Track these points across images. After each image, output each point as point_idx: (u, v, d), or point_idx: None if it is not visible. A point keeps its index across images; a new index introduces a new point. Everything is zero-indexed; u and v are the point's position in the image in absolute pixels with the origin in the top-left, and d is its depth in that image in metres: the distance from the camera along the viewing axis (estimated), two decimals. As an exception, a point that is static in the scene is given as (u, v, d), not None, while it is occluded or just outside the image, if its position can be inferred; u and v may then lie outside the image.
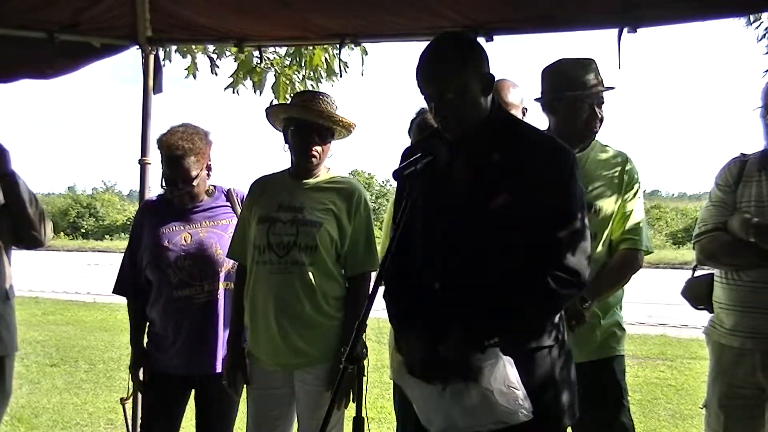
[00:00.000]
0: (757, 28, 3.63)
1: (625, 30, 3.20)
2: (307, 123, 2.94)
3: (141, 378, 3.25)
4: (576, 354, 2.78)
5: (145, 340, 3.29)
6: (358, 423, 2.03)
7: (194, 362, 3.13)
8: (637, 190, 2.98)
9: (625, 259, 2.94)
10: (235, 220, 3.21)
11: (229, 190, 3.33)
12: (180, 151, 3.09)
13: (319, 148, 2.97)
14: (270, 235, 2.93)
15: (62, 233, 33.55)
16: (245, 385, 3.10)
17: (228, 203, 3.30)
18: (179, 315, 3.13)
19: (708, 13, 3.21)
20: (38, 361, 7.84)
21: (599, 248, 2.91)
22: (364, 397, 2.05)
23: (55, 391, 6.72)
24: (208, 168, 3.22)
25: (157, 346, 3.21)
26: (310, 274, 2.89)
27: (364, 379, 2.07)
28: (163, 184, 3.19)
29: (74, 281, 15.72)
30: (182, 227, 3.19)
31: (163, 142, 3.14)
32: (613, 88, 3.00)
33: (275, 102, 4.97)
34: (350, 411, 2.27)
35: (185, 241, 3.16)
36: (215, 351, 3.12)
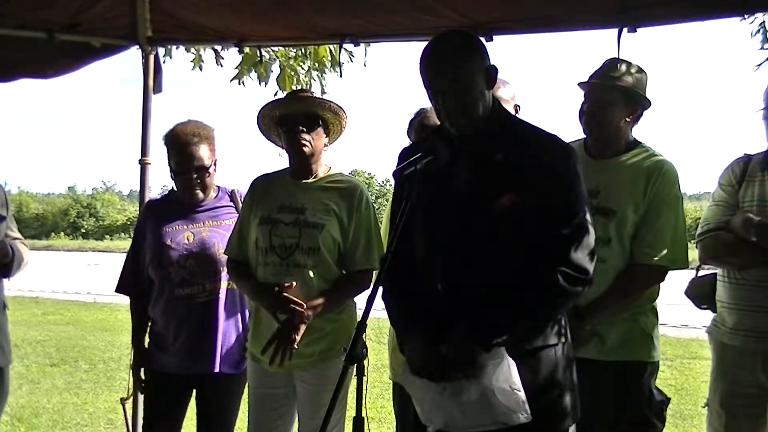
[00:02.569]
0: (751, 23, 3.63)
1: (625, 30, 3.20)
2: (291, 115, 2.95)
3: (142, 377, 3.25)
4: (588, 351, 2.74)
5: (147, 339, 3.29)
6: (358, 423, 2.03)
7: (194, 361, 3.13)
8: (671, 201, 2.82)
9: (635, 274, 2.80)
10: None
11: (233, 190, 3.33)
12: (195, 138, 3.11)
13: (307, 136, 2.94)
14: (272, 237, 2.93)
15: (62, 233, 33.55)
16: (246, 385, 3.10)
17: (232, 203, 3.30)
18: (180, 314, 3.13)
19: (707, 13, 3.21)
20: (38, 361, 7.83)
21: (613, 255, 2.78)
22: (364, 397, 2.05)
23: (55, 391, 6.72)
24: (215, 164, 3.22)
25: (157, 345, 3.22)
26: (312, 276, 2.89)
27: (364, 379, 2.07)
28: (174, 177, 3.18)
29: (74, 281, 15.70)
30: (185, 226, 3.19)
31: (176, 132, 3.14)
32: (590, 93, 2.89)
33: (280, 94, 4.99)
34: (350, 411, 2.26)
35: (187, 240, 3.16)
36: (215, 350, 3.12)
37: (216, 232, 3.20)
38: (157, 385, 3.22)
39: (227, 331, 3.15)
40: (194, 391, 3.25)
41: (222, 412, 3.21)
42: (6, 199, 3.32)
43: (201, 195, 3.20)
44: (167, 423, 3.23)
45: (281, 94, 4.92)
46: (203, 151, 3.12)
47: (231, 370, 3.16)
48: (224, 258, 3.14)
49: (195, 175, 3.14)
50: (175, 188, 3.26)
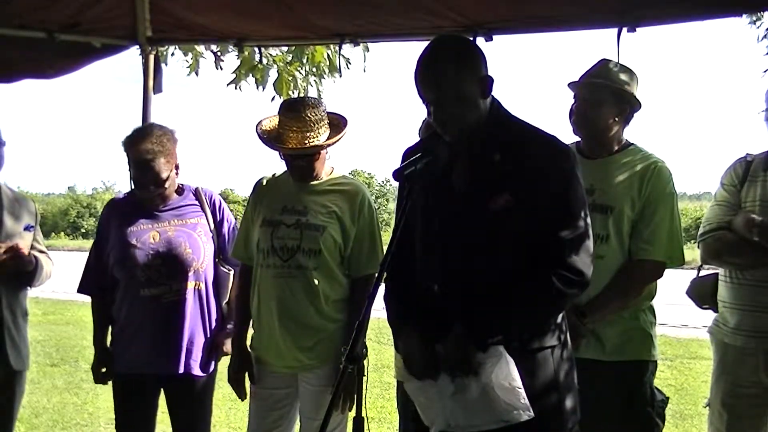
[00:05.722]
0: (758, 27, 3.65)
1: (625, 30, 3.19)
2: (291, 155, 2.93)
3: (103, 377, 3.23)
4: (588, 351, 2.73)
5: (109, 339, 3.25)
6: (358, 423, 2.03)
7: (158, 361, 3.09)
8: (666, 198, 2.86)
9: (633, 270, 2.83)
10: (203, 220, 3.19)
11: (197, 188, 3.28)
12: (150, 155, 3.02)
13: (309, 167, 2.95)
14: (274, 239, 2.92)
15: (62, 233, 33.54)
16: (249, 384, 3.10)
17: (196, 202, 3.24)
18: (145, 314, 3.08)
19: (707, 13, 3.21)
20: (38, 361, 7.81)
21: (612, 252, 2.82)
22: (364, 397, 2.05)
23: (55, 391, 6.71)
24: (176, 167, 3.16)
25: (121, 346, 3.17)
26: (314, 278, 2.89)
27: (364, 379, 2.07)
28: (133, 186, 3.14)
29: (74, 281, 15.59)
30: (150, 225, 3.13)
31: (131, 146, 3.07)
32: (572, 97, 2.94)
33: (277, 99, 4.98)
34: (351, 411, 2.27)
35: (153, 239, 3.11)
36: (180, 351, 3.08)
37: (182, 231, 3.15)
38: (124, 388, 3.19)
39: (194, 331, 3.11)
40: (163, 393, 3.22)
41: (194, 414, 3.19)
42: (35, 211, 3.38)
43: (160, 204, 3.16)
44: (141, 424, 3.19)
45: (279, 100, 4.91)
46: (159, 165, 3.04)
47: (198, 371, 3.12)
48: (191, 258, 3.10)
49: (153, 189, 3.09)
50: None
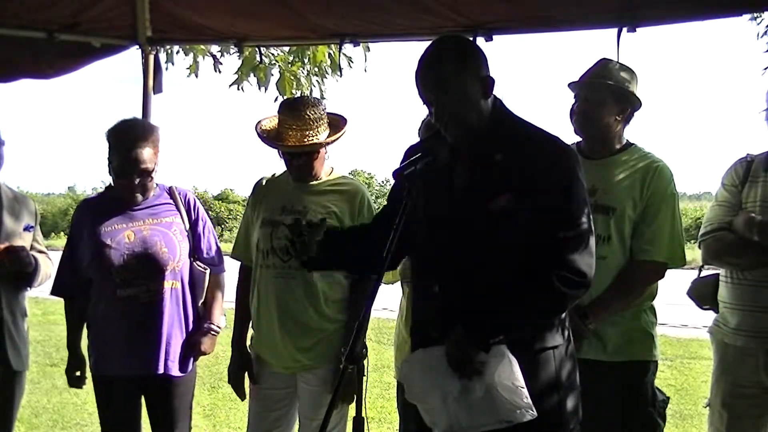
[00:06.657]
0: (758, 24, 3.66)
1: (625, 30, 3.20)
2: (290, 154, 2.93)
3: (77, 381, 3.21)
4: (590, 351, 2.73)
5: (84, 342, 3.21)
6: (358, 423, 2.03)
7: (137, 362, 3.04)
8: (667, 199, 2.86)
9: (634, 271, 2.83)
10: (178, 218, 3.14)
11: (171, 187, 3.22)
12: (139, 142, 2.96)
13: (308, 165, 2.95)
14: (273, 239, 2.92)
15: (62, 233, 33.54)
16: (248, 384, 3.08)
17: (171, 201, 3.18)
18: (122, 315, 3.02)
19: (707, 13, 3.21)
20: (38, 361, 7.81)
21: (614, 253, 2.82)
22: (364, 397, 2.05)
23: (55, 391, 6.71)
24: (156, 165, 3.09)
25: (99, 348, 3.12)
26: (314, 278, 2.88)
27: (364, 379, 2.07)
28: (114, 178, 3.06)
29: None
30: (125, 225, 3.06)
31: (120, 133, 3.01)
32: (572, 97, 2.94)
33: (280, 99, 5.00)
34: (351, 411, 2.26)
35: (128, 239, 3.04)
36: (158, 351, 3.03)
37: (157, 230, 3.09)
38: (106, 390, 3.14)
39: (171, 331, 3.06)
40: (143, 394, 3.18)
41: (174, 415, 3.15)
42: (35, 211, 3.37)
43: (140, 198, 3.09)
44: (126, 425, 3.16)
45: (281, 99, 4.92)
46: (147, 155, 2.98)
47: (177, 371, 3.08)
48: (167, 257, 3.06)
49: (137, 179, 3.01)
50: (112, 184, 3.15)
